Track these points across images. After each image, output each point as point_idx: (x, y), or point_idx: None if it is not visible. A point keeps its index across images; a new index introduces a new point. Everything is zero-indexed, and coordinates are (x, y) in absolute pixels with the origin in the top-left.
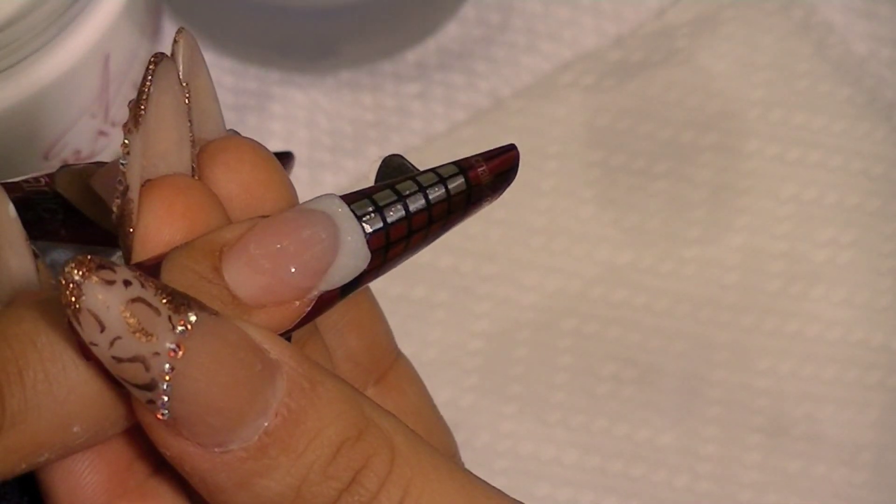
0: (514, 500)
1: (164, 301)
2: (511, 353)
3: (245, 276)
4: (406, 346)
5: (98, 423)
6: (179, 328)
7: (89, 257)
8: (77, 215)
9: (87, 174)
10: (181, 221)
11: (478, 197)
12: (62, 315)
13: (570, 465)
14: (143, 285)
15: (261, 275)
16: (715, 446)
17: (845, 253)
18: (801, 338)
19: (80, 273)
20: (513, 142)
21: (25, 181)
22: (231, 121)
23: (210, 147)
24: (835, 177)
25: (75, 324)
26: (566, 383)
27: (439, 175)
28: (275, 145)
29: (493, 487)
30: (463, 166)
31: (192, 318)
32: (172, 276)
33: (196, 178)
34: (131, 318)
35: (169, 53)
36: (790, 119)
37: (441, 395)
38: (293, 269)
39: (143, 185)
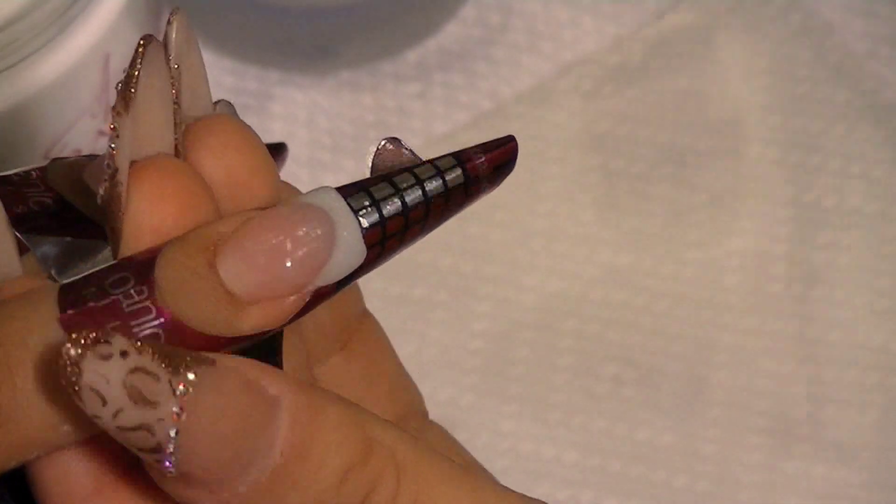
0: (527, 497)
1: (162, 364)
2: (511, 353)
3: (240, 272)
4: (406, 346)
5: (88, 421)
6: (180, 390)
7: (84, 333)
8: (68, 208)
9: (79, 167)
10: (171, 205)
11: (475, 188)
12: (52, 309)
13: (570, 464)
14: (139, 353)
15: (256, 270)
16: (715, 447)
17: (845, 255)
18: (801, 339)
19: (77, 350)
20: None
21: (17, 174)
22: None
23: (195, 128)
24: (834, 180)
25: (78, 401)
26: (566, 384)
27: (437, 167)
28: None
29: (502, 486)
30: (461, 158)
31: (191, 377)
32: (166, 272)
33: (182, 158)
34: (132, 389)
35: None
36: (790, 123)
37: (441, 395)
38: (289, 265)
39: (130, 167)
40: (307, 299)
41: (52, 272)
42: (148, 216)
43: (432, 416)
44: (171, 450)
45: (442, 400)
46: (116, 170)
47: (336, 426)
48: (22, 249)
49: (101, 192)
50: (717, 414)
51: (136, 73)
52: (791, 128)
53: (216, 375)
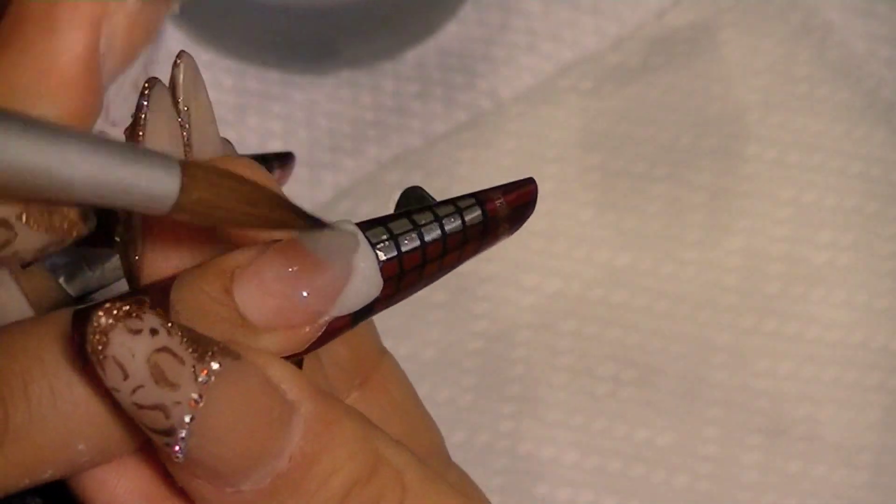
0: None
1: (189, 349)
2: (510, 353)
3: (256, 299)
4: (406, 346)
5: (103, 442)
6: (202, 378)
7: (118, 304)
8: None
9: None
10: (187, 246)
11: (494, 229)
12: (67, 329)
13: (569, 464)
14: (169, 333)
15: (272, 298)
16: (714, 447)
17: (844, 255)
18: (801, 339)
19: (108, 320)
20: (512, 146)
21: None
22: (231, 121)
23: None
24: (834, 179)
25: (99, 370)
26: (565, 384)
27: (456, 206)
28: (275, 145)
29: None
30: (481, 198)
31: (215, 367)
32: (183, 296)
33: None
34: (156, 367)
35: (169, 61)
36: (789, 122)
37: (440, 395)
38: (305, 294)
39: None
40: (322, 330)
41: (61, 280)
42: (165, 259)
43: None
44: (184, 435)
45: (441, 400)
46: (130, 213)
47: (348, 440)
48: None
49: (116, 238)
50: (716, 414)
51: (143, 115)
52: (791, 127)
53: (240, 370)
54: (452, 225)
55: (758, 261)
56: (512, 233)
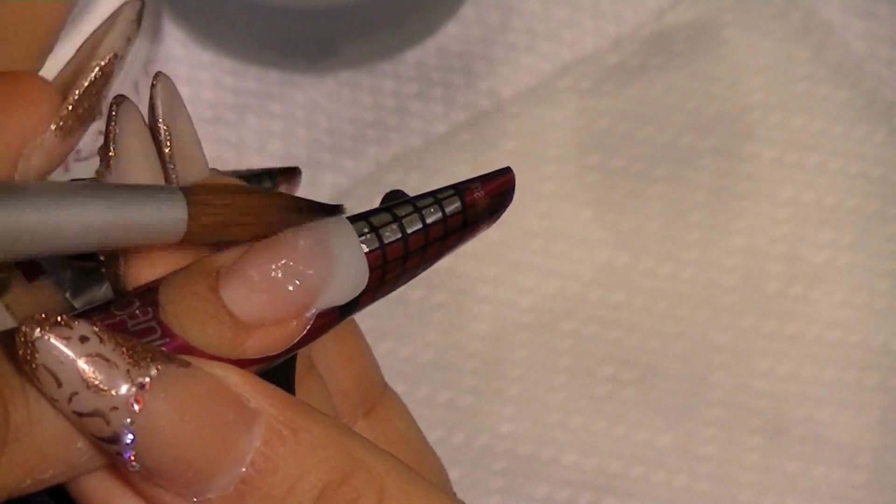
0: None
1: (125, 355)
2: (510, 354)
3: (243, 295)
4: (405, 348)
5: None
6: (139, 382)
7: (44, 315)
8: None
9: None
10: (170, 255)
11: (474, 219)
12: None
13: (568, 465)
14: (101, 340)
15: (258, 294)
16: (714, 447)
17: (844, 255)
18: (801, 339)
19: (36, 330)
20: (512, 146)
21: None
22: (231, 120)
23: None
24: (834, 179)
25: (35, 381)
26: (565, 385)
27: (436, 198)
28: (275, 145)
29: None
30: (459, 189)
31: (153, 372)
32: (170, 296)
33: None
34: (87, 373)
35: (169, 61)
36: (789, 122)
37: (440, 397)
38: (290, 288)
39: None
40: (310, 324)
41: (67, 295)
42: (149, 270)
43: (431, 419)
44: (129, 441)
45: (440, 402)
46: None
47: (318, 445)
48: (37, 272)
49: (100, 255)
50: (715, 414)
51: (112, 132)
52: (790, 127)
53: (185, 376)
54: (433, 217)
55: (758, 261)
56: (491, 223)
